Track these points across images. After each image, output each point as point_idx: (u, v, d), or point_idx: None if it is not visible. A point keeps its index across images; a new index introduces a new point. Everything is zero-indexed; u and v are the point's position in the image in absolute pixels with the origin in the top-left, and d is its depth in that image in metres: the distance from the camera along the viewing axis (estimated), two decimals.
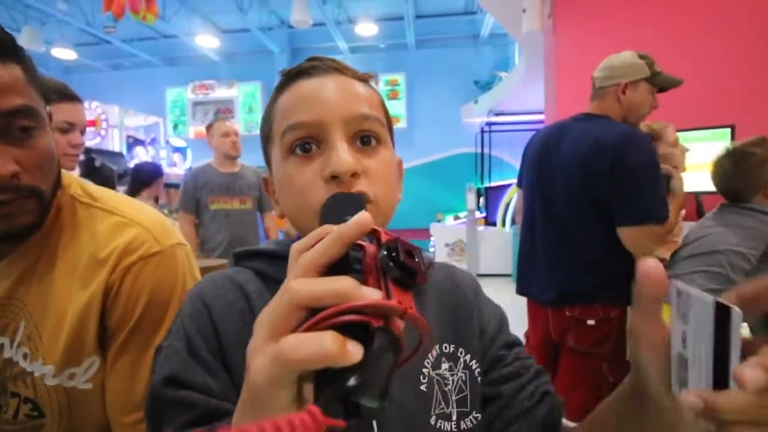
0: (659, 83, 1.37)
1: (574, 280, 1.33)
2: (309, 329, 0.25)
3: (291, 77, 0.48)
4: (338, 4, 7.29)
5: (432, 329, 0.49)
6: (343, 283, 0.25)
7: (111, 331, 0.59)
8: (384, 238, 0.29)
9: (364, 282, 0.27)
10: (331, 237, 0.27)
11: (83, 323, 0.58)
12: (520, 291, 1.52)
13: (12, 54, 0.52)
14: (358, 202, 0.40)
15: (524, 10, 3.40)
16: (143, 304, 0.59)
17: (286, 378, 0.25)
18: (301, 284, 0.26)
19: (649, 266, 0.30)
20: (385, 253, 0.27)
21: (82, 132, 1.35)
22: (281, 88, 0.48)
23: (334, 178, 0.42)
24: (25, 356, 0.58)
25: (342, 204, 0.40)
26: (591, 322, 1.30)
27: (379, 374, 0.24)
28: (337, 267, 0.27)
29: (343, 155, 0.42)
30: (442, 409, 0.47)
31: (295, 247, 0.29)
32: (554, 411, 0.50)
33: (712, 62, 2.48)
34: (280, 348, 0.24)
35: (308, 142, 0.44)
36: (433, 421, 0.46)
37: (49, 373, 0.58)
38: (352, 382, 0.23)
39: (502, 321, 0.55)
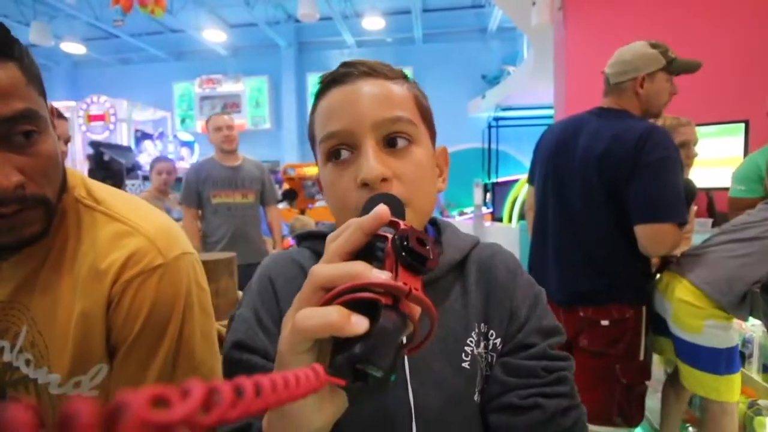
0: (676, 70, 1.31)
1: (587, 280, 1.30)
2: (324, 305, 0.29)
3: (326, 85, 0.50)
4: None
5: (473, 309, 0.51)
6: (355, 266, 0.29)
7: (113, 342, 0.58)
8: (402, 228, 0.32)
9: (382, 267, 0.30)
10: (352, 227, 0.32)
11: (87, 333, 0.56)
12: None
13: (7, 51, 0.48)
14: (394, 200, 0.41)
15: (534, 3, 3.35)
16: (144, 317, 0.57)
17: (301, 345, 0.29)
18: (321, 268, 0.30)
19: None
20: (397, 240, 0.30)
21: (66, 143, 1.64)
22: (319, 95, 0.51)
23: (366, 184, 0.44)
24: (27, 362, 0.57)
25: (377, 204, 0.42)
26: (605, 322, 1.27)
27: (384, 346, 0.27)
28: (362, 255, 0.31)
29: (372, 162, 0.44)
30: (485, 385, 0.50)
31: (329, 237, 0.34)
32: (535, 425, 0.45)
33: (725, 55, 2.42)
34: (295, 319, 0.29)
35: (343, 149, 0.47)
36: (476, 397, 0.49)
37: (54, 382, 0.56)
38: (357, 349, 0.27)
39: (537, 303, 0.52)
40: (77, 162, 6.04)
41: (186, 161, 7.38)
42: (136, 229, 0.59)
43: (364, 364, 0.27)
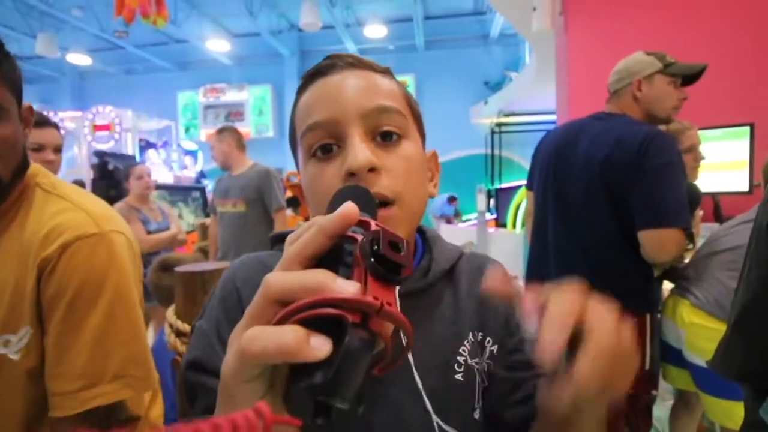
0: (677, 72, 1.30)
1: (589, 287, 1.27)
2: (278, 323, 0.23)
3: (310, 77, 0.47)
4: (347, 6, 7.30)
5: (466, 318, 0.49)
6: (316, 276, 0.24)
7: (47, 306, 0.62)
8: (372, 230, 0.26)
9: (349, 276, 0.25)
10: (313, 229, 0.26)
11: (20, 292, 0.62)
12: None
13: None
14: (366, 193, 0.36)
15: (534, 9, 3.35)
16: (78, 281, 0.62)
17: (247, 372, 0.24)
18: (276, 277, 0.25)
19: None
20: (366, 245, 0.25)
21: (56, 151, 1.58)
22: (301, 89, 0.47)
23: (352, 175, 0.40)
24: None
25: (346, 198, 0.37)
26: None
27: (350, 373, 0.22)
28: (328, 260, 0.26)
29: (359, 150, 0.40)
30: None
31: (289, 237, 0.28)
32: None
33: (729, 58, 2.41)
34: (240, 341, 0.23)
35: (328, 144, 0.43)
36: (477, 414, 0.46)
37: None
38: (317, 378, 0.22)
39: None
40: (83, 170, 6.08)
41: (190, 170, 7.42)
42: (77, 205, 0.68)
43: (327, 395, 0.22)
